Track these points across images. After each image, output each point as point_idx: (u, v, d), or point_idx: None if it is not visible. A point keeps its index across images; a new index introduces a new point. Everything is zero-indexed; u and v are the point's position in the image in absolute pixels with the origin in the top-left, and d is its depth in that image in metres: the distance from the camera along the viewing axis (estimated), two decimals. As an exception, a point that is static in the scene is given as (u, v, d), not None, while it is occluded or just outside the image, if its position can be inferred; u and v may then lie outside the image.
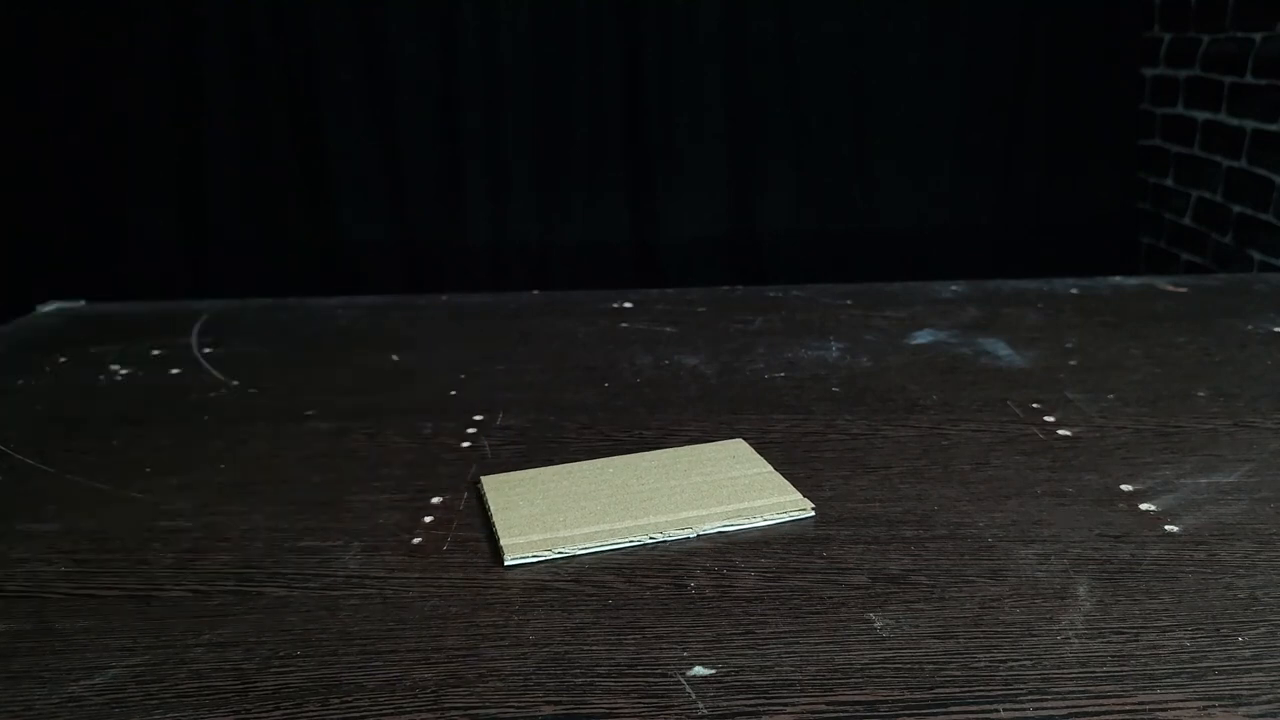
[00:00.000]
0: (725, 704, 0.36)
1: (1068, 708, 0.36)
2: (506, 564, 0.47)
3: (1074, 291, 0.95)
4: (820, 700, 0.37)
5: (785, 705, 0.36)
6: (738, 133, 2.60)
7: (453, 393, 0.70)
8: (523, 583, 0.46)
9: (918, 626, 0.41)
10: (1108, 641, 0.40)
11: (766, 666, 0.39)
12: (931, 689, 0.37)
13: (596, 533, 0.49)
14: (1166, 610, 0.42)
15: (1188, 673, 0.37)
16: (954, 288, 0.97)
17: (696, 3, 2.51)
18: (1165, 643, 0.39)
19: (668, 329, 0.85)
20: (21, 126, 2.35)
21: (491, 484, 0.55)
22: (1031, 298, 0.93)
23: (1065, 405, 0.65)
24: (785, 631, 0.41)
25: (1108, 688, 0.37)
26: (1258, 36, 2.06)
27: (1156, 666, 0.38)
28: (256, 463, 0.60)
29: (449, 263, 2.56)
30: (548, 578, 0.46)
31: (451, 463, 0.59)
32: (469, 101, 2.54)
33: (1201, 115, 2.31)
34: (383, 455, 0.60)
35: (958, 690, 0.37)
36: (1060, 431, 0.61)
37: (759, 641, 0.40)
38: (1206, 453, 0.58)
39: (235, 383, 0.74)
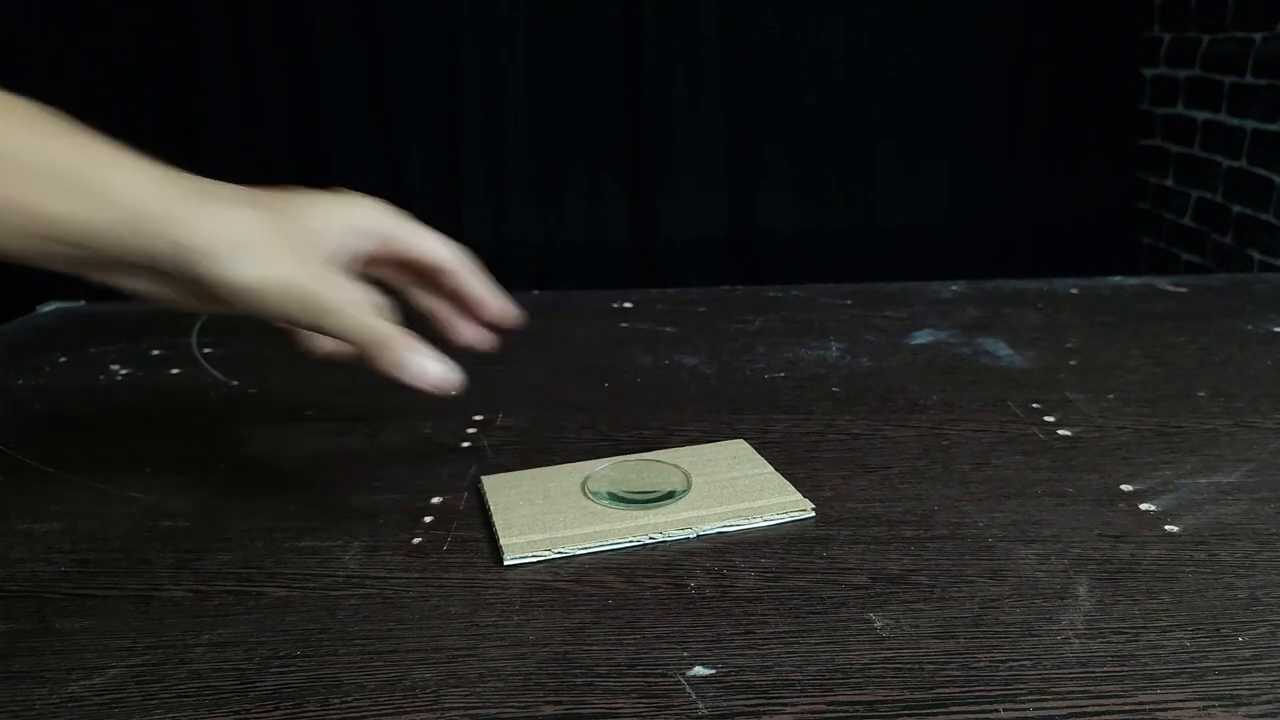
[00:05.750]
0: (725, 704, 0.36)
1: (1068, 708, 0.36)
2: (506, 564, 0.47)
3: (1074, 291, 0.95)
4: (820, 700, 0.37)
5: (785, 705, 0.36)
6: (737, 132, 2.60)
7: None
8: (523, 583, 0.46)
9: (918, 626, 0.41)
10: (1108, 641, 0.40)
11: (766, 666, 0.39)
12: (931, 689, 0.37)
13: (596, 533, 0.49)
14: (1166, 610, 0.42)
15: (1188, 673, 0.37)
16: (954, 287, 0.97)
17: (696, 2, 2.51)
18: (1165, 643, 0.39)
19: (668, 329, 0.85)
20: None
21: (491, 484, 0.55)
22: (1031, 298, 0.93)
23: (1065, 405, 0.65)
24: (785, 631, 0.41)
25: (1108, 688, 0.37)
26: (1258, 36, 2.05)
27: (1156, 666, 0.38)
28: (256, 463, 0.60)
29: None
30: (548, 578, 0.46)
31: (451, 463, 0.59)
32: (469, 101, 2.54)
33: (1201, 115, 2.31)
34: (383, 455, 0.60)
35: (958, 690, 0.37)
36: (1060, 431, 0.61)
37: (759, 641, 0.40)
38: (1206, 453, 0.58)
39: (235, 383, 0.74)
